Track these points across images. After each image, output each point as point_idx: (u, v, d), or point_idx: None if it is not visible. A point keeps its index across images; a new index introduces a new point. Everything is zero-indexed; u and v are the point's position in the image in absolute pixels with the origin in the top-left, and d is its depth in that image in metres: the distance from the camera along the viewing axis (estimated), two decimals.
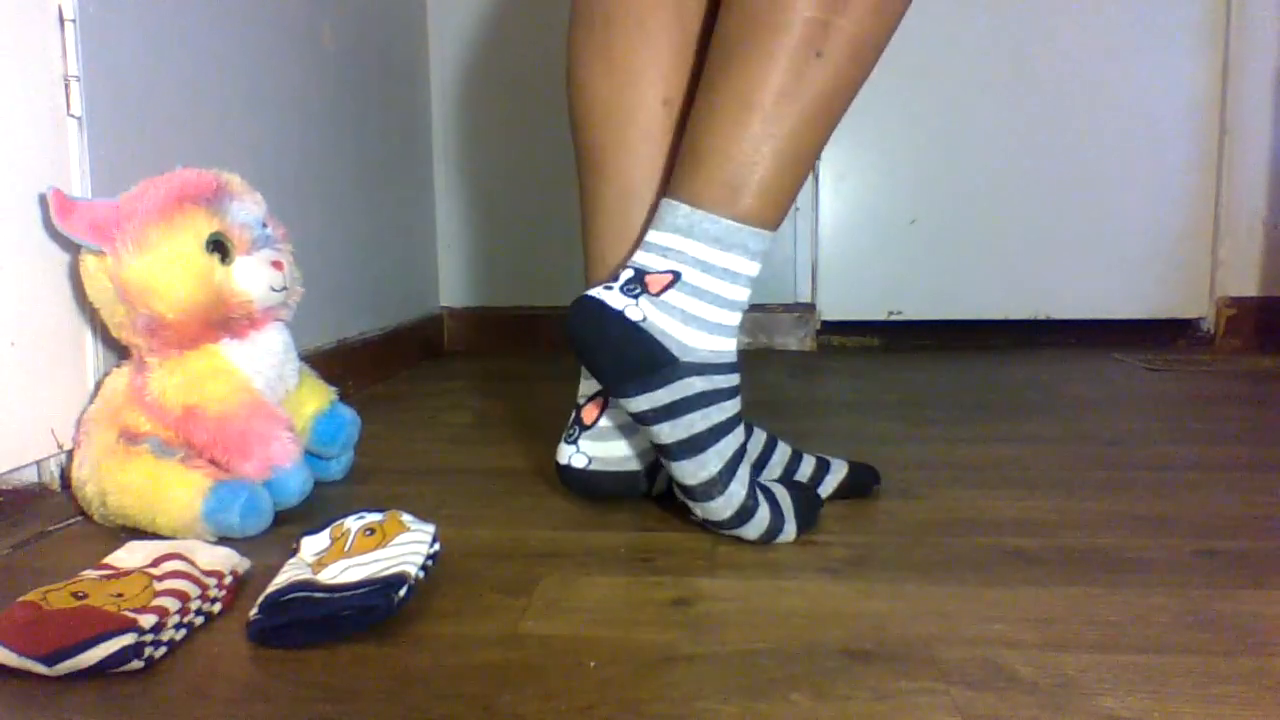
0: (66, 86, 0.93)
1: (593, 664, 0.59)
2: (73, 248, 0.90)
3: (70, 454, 0.92)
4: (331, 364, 1.42)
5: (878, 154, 2.01)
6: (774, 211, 0.81)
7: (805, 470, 0.92)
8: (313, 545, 0.72)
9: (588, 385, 0.91)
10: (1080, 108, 1.95)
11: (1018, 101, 1.96)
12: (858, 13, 0.76)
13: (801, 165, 0.81)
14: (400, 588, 0.64)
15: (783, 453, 0.94)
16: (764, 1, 0.78)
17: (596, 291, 0.81)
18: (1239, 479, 0.99)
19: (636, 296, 0.80)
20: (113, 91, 0.98)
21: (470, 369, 1.84)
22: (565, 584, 0.72)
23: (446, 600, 0.69)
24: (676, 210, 0.80)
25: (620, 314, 0.79)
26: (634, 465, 0.90)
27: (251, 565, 0.74)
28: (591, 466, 0.89)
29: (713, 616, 0.66)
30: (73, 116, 0.93)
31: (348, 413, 1.02)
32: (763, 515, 0.80)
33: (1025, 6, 1.93)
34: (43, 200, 0.89)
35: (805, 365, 1.83)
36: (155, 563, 0.68)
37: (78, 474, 0.87)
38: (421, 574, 0.67)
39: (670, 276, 0.80)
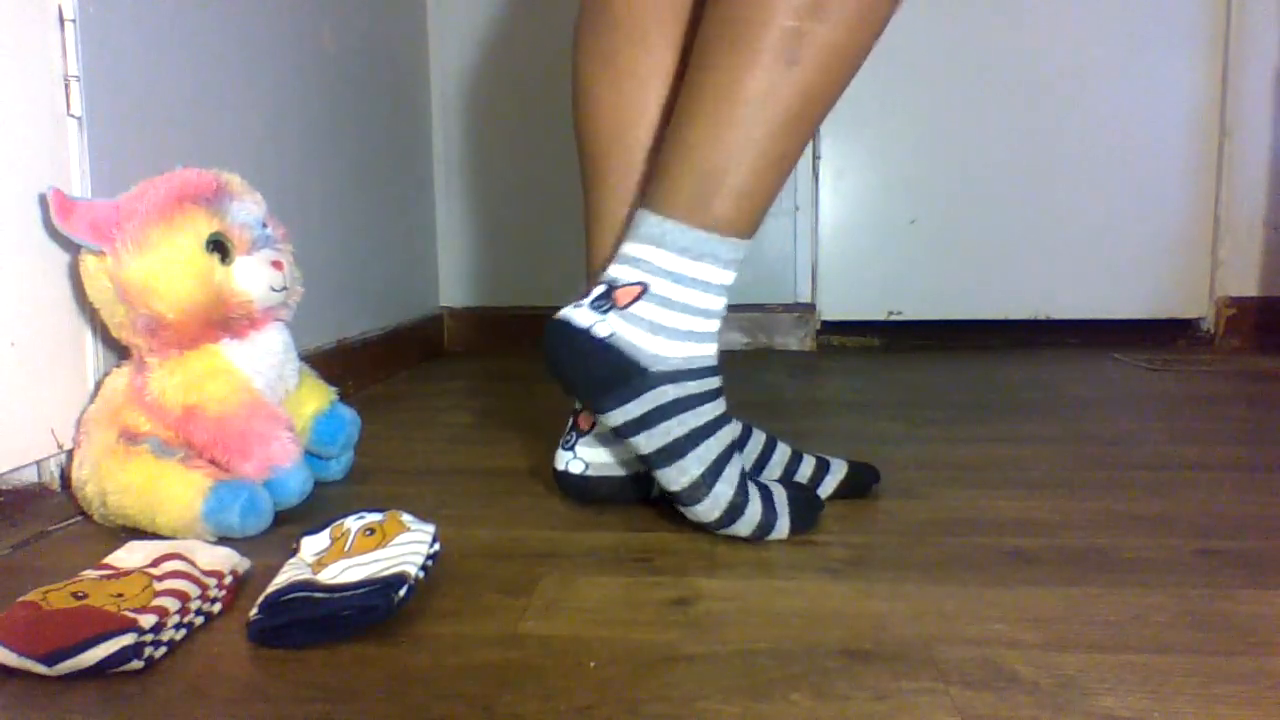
0: (66, 86, 0.93)
1: (593, 664, 0.59)
2: (73, 248, 0.90)
3: (70, 454, 0.92)
4: (331, 364, 1.42)
5: (878, 154, 2.01)
6: (746, 221, 0.80)
7: (805, 471, 0.92)
8: (313, 545, 0.72)
9: None
10: (1080, 108, 1.95)
11: (1018, 102, 1.96)
12: (835, 20, 0.75)
13: (774, 174, 0.79)
14: (400, 588, 0.64)
15: (782, 453, 0.94)
16: (740, 9, 0.77)
17: (565, 311, 0.82)
18: (1239, 479, 0.99)
19: (605, 312, 0.81)
20: (113, 91, 0.98)
21: (470, 369, 1.84)
22: (565, 584, 0.72)
23: (446, 600, 0.69)
24: (648, 221, 0.80)
25: (586, 331, 0.80)
26: (631, 470, 0.90)
27: (251, 565, 0.74)
28: (588, 472, 0.90)
29: (712, 616, 0.66)
30: (73, 116, 0.93)
31: (348, 413, 1.02)
32: (754, 511, 0.80)
33: (1026, 7, 1.93)
34: (43, 200, 0.89)
35: (805, 365, 1.83)
36: (155, 563, 0.68)
37: (78, 474, 0.87)
38: (421, 574, 0.67)
39: (639, 288, 0.80)
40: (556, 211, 2.01)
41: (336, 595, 0.63)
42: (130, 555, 0.70)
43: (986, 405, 1.40)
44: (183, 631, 0.63)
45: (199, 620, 0.65)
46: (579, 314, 0.81)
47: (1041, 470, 1.03)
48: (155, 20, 1.06)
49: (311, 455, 0.99)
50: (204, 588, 0.66)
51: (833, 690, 0.55)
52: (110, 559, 0.70)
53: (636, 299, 0.80)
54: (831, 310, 2.05)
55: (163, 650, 0.60)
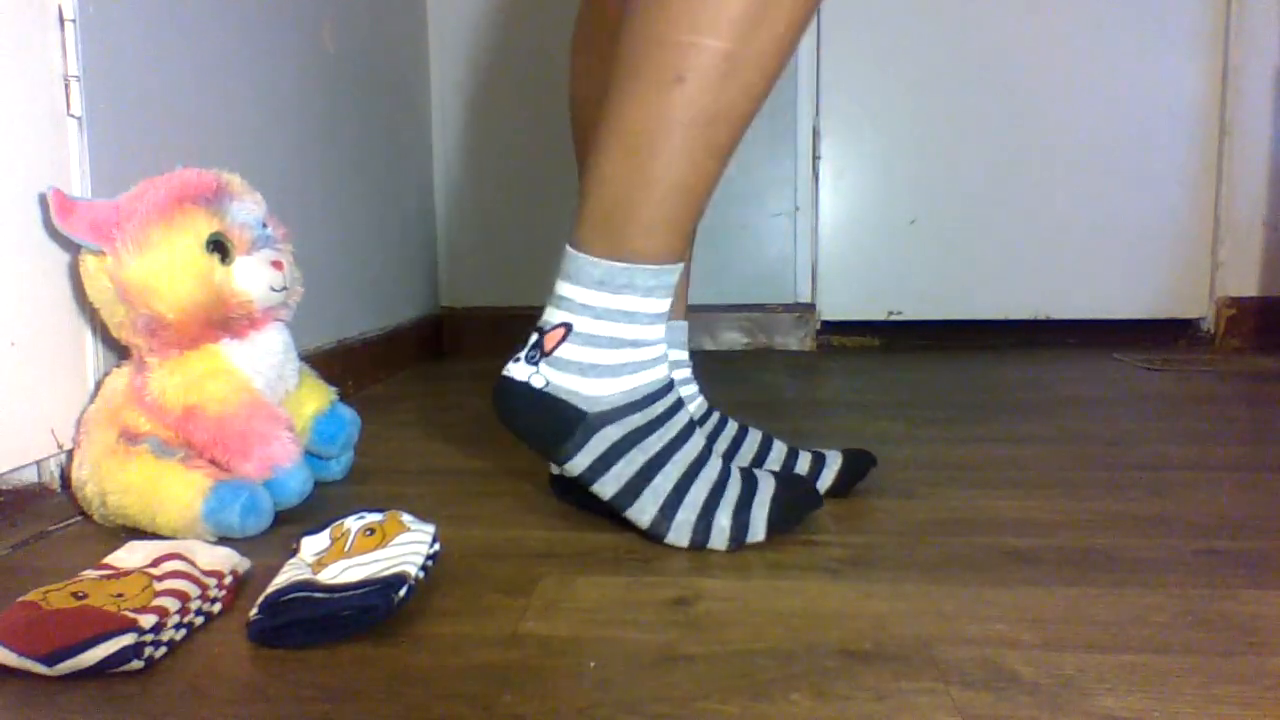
0: (66, 86, 0.93)
1: (593, 664, 0.59)
2: (73, 248, 0.90)
3: (70, 454, 0.92)
4: (331, 364, 1.42)
5: (878, 154, 2.01)
6: (662, 246, 0.77)
7: (801, 466, 0.93)
8: (313, 545, 0.72)
9: None
10: (1080, 108, 1.95)
11: (1018, 101, 1.96)
12: (722, 32, 0.71)
13: (681, 199, 0.76)
14: (400, 588, 0.64)
15: (779, 451, 0.94)
16: (633, 28, 0.74)
17: (508, 367, 0.82)
18: (1239, 479, 0.99)
19: (536, 362, 0.80)
20: (113, 91, 0.98)
21: (470, 369, 1.84)
22: (565, 584, 0.72)
23: (446, 600, 0.69)
24: (567, 256, 0.79)
25: (525, 385, 0.80)
26: None
27: (251, 565, 0.74)
28: None
29: (713, 616, 0.66)
30: (73, 116, 0.93)
31: (348, 413, 1.02)
32: (721, 527, 0.78)
33: (1026, 7, 1.93)
34: (43, 200, 0.89)
35: (805, 365, 1.83)
36: (155, 563, 0.68)
37: (78, 474, 0.87)
38: (421, 574, 0.67)
39: (562, 330, 0.79)
40: (556, 211, 2.01)
41: (336, 595, 0.63)
42: (130, 555, 0.70)
43: (986, 405, 1.40)
44: (183, 631, 0.63)
45: (199, 620, 0.65)
46: (517, 368, 0.81)
47: (1041, 470, 1.03)
48: (155, 20, 1.06)
49: (311, 455, 0.99)
50: (204, 588, 0.66)
51: (833, 690, 0.55)
52: (110, 559, 0.70)
53: (561, 341, 0.79)
54: (831, 310, 2.05)
55: (163, 650, 0.60)
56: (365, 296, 1.67)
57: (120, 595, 0.63)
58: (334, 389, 1.04)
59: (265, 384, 0.92)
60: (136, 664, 0.58)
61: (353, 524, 0.73)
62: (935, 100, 1.98)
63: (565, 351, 0.79)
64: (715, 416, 0.96)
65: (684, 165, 0.75)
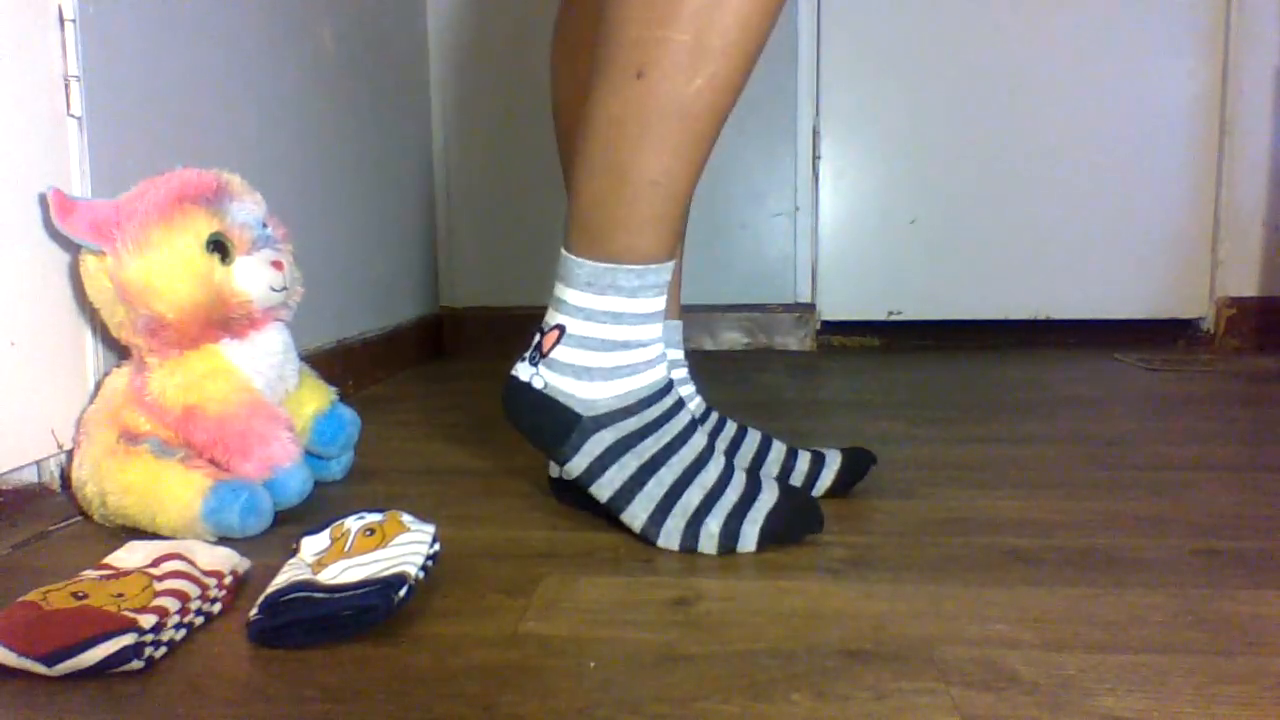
0: (66, 86, 0.93)
1: (593, 664, 0.59)
2: (73, 248, 0.90)
3: (70, 454, 0.92)
4: (331, 364, 1.42)
5: (878, 154, 2.01)
6: (645, 245, 0.76)
7: (801, 467, 0.92)
8: (313, 545, 0.72)
9: None
10: (1080, 108, 1.95)
11: (1018, 101, 1.96)
12: (679, 23, 0.70)
13: (660, 192, 0.75)
14: (400, 588, 0.64)
15: (778, 451, 0.94)
16: (601, 29, 0.74)
17: (515, 366, 0.83)
18: (1239, 479, 0.99)
19: (536, 363, 0.81)
20: (113, 91, 0.98)
21: (470, 369, 1.84)
22: (565, 584, 0.72)
23: (446, 600, 0.69)
24: (561, 258, 0.80)
25: (527, 386, 0.81)
26: None
27: (251, 565, 0.74)
28: None
29: (713, 616, 0.66)
30: (73, 116, 0.93)
31: (348, 413, 1.02)
32: (710, 534, 0.77)
33: (1026, 7, 1.93)
34: (43, 200, 0.89)
35: (805, 365, 1.83)
36: (155, 563, 0.68)
37: (78, 474, 0.87)
38: (421, 574, 0.67)
39: (557, 331, 0.80)
40: (556, 211, 2.01)
41: (336, 595, 0.63)
42: (130, 555, 0.70)
43: (986, 405, 1.40)
44: (183, 631, 0.63)
45: (199, 620, 0.65)
46: (521, 368, 0.82)
47: (1041, 470, 1.03)
48: (155, 20, 1.06)
49: (311, 455, 0.99)
50: (204, 588, 0.66)
51: (833, 690, 0.55)
52: (110, 559, 0.70)
53: (556, 343, 0.79)
54: (831, 310, 2.05)
55: (163, 650, 0.60)
56: (365, 296, 1.67)
57: (120, 595, 0.63)
58: (334, 389, 1.04)
59: (265, 384, 0.92)
60: (136, 664, 0.58)
61: (353, 524, 0.73)
62: (935, 100, 1.98)
63: (560, 354, 0.80)
64: (714, 417, 0.96)
65: (656, 160, 0.74)
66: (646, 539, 0.79)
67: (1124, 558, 0.76)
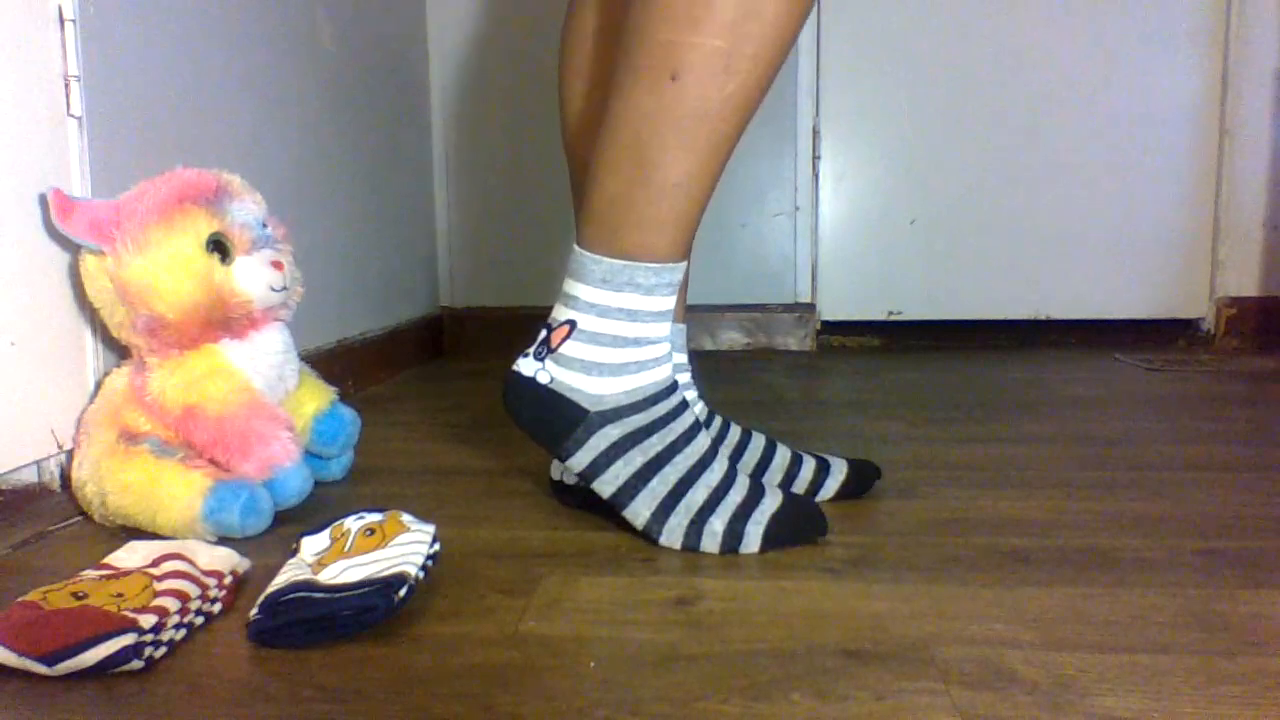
0: (66, 86, 0.93)
1: (593, 664, 0.59)
2: (73, 248, 0.90)
3: (70, 454, 0.92)
4: (331, 364, 1.42)
5: (878, 154, 2.01)
6: (662, 244, 0.77)
7: (805, 474, 0.92)
8: (313, 545, 0.72)
9: None
10: (1081, 108, 1.95)
11: (1018, 102, 1.96)
12: (715, 29, 0.71)
13: (681, 196, 0.76)
14: (400, 588, 0.64)
15: (783, 456, 0.93)
16: (630, 28, 0.75)
17: (517, 362, 0.83)
18: (1239, 479, 0.99)
19: (543, 358, 0.81)
20: (113, 91, 0.98)
21: (470, 369, 1.84)
22: (565, 584, 0.72)
23: (446, 600, 0.69)
24: (573, 254, 0.80)
25: (532, 380, 0.81)
26: None
27: (251, 565, 0.74)
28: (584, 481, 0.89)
29: (713, 616, 0.66)
30: (73, 116, 0.93)
31: (348, 413, 1.02)
32: (713, 532, 0.77)
33: (1026, 8, 1.94)
34: (43, 200, 0.89)
35: (805, 365, 1.83)
36: (155, 563, 0.68)
37: (78, 474, 0.87)
38: (421, 574, 0.67)
39: (567, 327, 0.80)
40: (557, 211, 2.01)
41: (336, 595, 0.63)
42: (130, 555, 0.70)
43: (986, 405, 1.40)
44: (183, 631, 0.63)
45: (199, 620, 0.65)
46: (524, 363, 0.82)
47: (1041, 470, 1.03)
48: (155, 20, 1.06)
49: (311, 455, 0.99)
50: (204, 588, 0.66)
51: (833, 690, 0.55)
52: (110, 559, 0.70)
53: (566, 338, 0.80)
54: (831, 310, 2.05)
55: (163, 650, 0.60)
56: (365, 296, 1.67)
57: (120, 595, 0.63)
58: (334, 389, 1.04)
59: (265, 384, 0.92)
60: (136, 664, 0.58)
61: (353, 524, 0.73)
62: (935, 101, 1.98)
63: (570, 349, 0.80)
64: (718, 421, 0.96)
65: (682, 162, 0.75)
66: (648, 536, 0.79)
67: (1124, 558, 0.76)
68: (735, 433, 0.95)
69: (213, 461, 0.87)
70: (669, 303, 0.80)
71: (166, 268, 0.85)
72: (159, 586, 0.65)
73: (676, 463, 0.79)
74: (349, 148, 1.60)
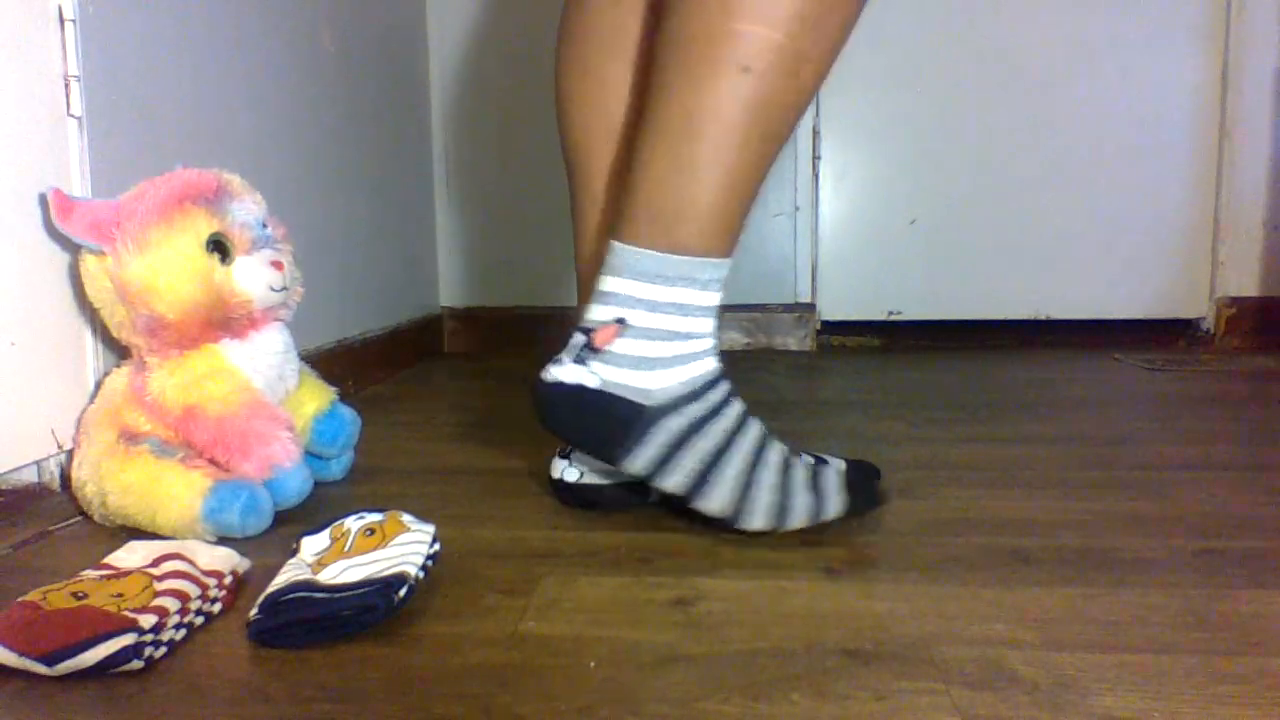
0: (66, 86, 0.93)
1: (593, 664, 0.59)
2: (73, 248, 0.90)
3: (70, 454, 0.92)
4: (331, 364, 1.42)
5: (878, 154, 2.01)
6: (719, 239, 0.77)
7: None
8: (313, 545, 0.72)
9: None
10: (1080, 108, 1.95)
11: (1018, 102, 1.96)
12: (788, 25, 0.72)
13: (742, 189, 0.77)
14: (400, 588, 0.64)
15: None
16: (690, 22, 0.74)
17: (551, 371, 0.81)
18: (1239, 479, 0.99)
19: (586, 362, 0.79)
20: (113, 91, 0.98)
21: (470, 369, 1.84)
22: (565, 584, 0.72)
23: (446, 600, 0.69)
24: (617, 251, 0.79)
25: (578, 387, 0.79)
26: (626, 477, 0.89)
27: (251, 565, 0.74)
28: (585, 480, 0.89)
29: (713, 616, 0.66)
30: (73, 116, 0.93)
31: (348, 413, 1.02)
32: (800, 506, 0.78)
33: (1025, 7, 1.93)
34: (43, 200, 0.89)
35: (805, 365, 1.83)
36: (155, 563, 0.68)
37: (78, 474, 0.87)
38: (421, 574, 0.67)
39: (616, 326, 0.79)
40: (556, 211, 2.01)
41: (336, 595, 0.63)
42: (130, 555, 0.70)
43: (986, 405, 1.40)
44: (183, 631, 0.63)
45: (199, 620, 0.65)
46: (564, 372, 0.80)
47: (1041, 470, 1.03)
48: (155, 20, 1.06)
49: (311, 455, 0.99)
50: (204, 588, 0.66)
51: (833, 690, 0.55)
52: (110, 559, 0.70)
53: (616, 336, 0.79)
54: (831, 310, 2.05)
55: (163, 650, 0.60)
56: (365, 296, 1.67)
57: (120, 595, 0.63)
58: (334, 389, 1.04)
59: (265, 384, 0.92)
60: (136, 664, 0.58)
61: (353, 524, 0.73)
62: (935, 101, 1.98)
63: (620, 346, 0.79)
64: None
65: (746, 155, 0.75)
66: (727, 522, 0.79)
67: (1124, 558, 0.76)
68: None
69: (213, 461, 0.87)
70: (718, 298, 0.80)
71: (166, 268, 0.85)
72: (159, 586, 0.65)
73: (741, 446, 0.79)
74: (349, 148, 1.60)
